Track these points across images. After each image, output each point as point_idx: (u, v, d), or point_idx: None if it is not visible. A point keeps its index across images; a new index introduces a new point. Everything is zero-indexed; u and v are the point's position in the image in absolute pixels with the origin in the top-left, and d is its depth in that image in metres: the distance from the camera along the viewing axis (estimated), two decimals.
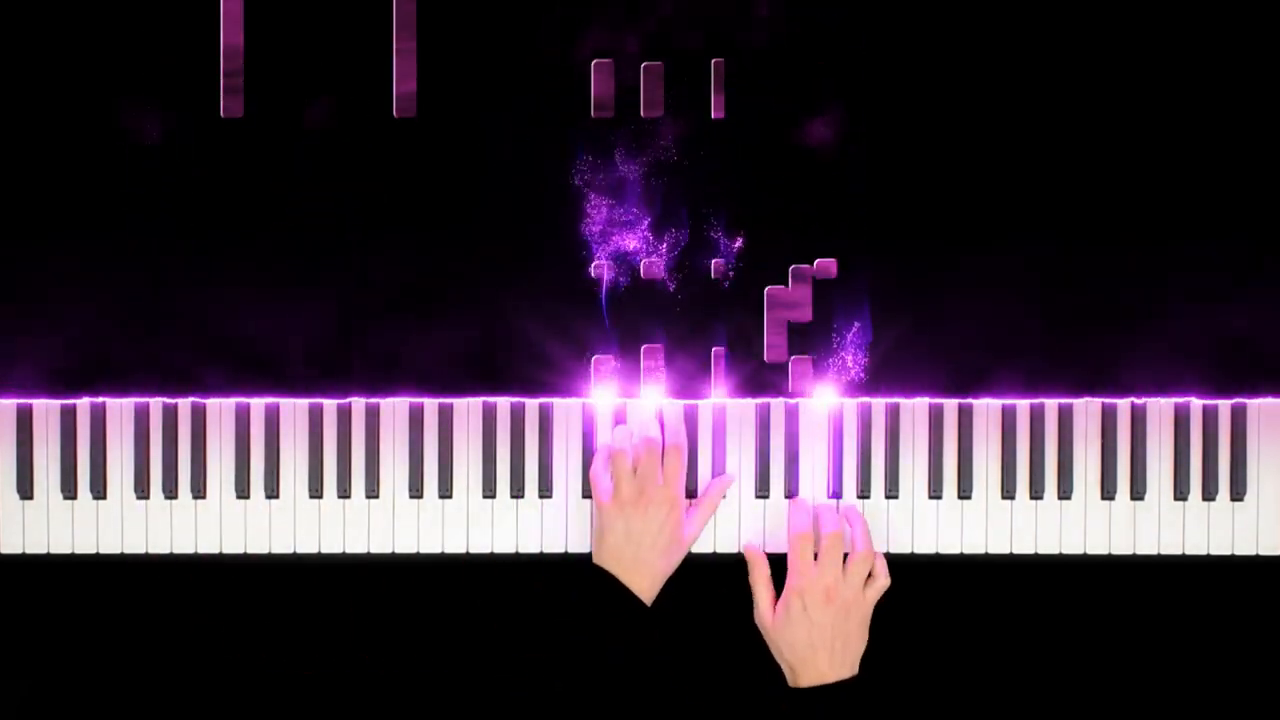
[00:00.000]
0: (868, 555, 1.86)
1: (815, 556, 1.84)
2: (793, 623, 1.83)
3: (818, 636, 1.83)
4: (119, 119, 1.87)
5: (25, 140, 1.87)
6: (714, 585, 1.94)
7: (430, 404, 1.90)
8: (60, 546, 1.90)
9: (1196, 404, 1.90)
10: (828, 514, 1.87)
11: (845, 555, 1.85)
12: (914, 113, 1.88)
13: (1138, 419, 1.90)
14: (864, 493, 1.90)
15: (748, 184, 1.89)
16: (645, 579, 1.83)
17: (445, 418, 1.90)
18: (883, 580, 1.87)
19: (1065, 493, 1.91)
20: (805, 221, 1.89)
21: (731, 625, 1.92)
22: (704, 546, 1.91)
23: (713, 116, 1.89)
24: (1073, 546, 1.91)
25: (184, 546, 1.90)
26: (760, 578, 1.88)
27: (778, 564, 1.88)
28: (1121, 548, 1.91)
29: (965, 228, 1.89)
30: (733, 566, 1.90)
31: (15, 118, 1.87)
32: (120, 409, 1.89)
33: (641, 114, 1.89)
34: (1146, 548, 1.90)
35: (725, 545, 1.91)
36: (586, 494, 1.90)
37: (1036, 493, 1.90)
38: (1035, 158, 1.89)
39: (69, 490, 1.89)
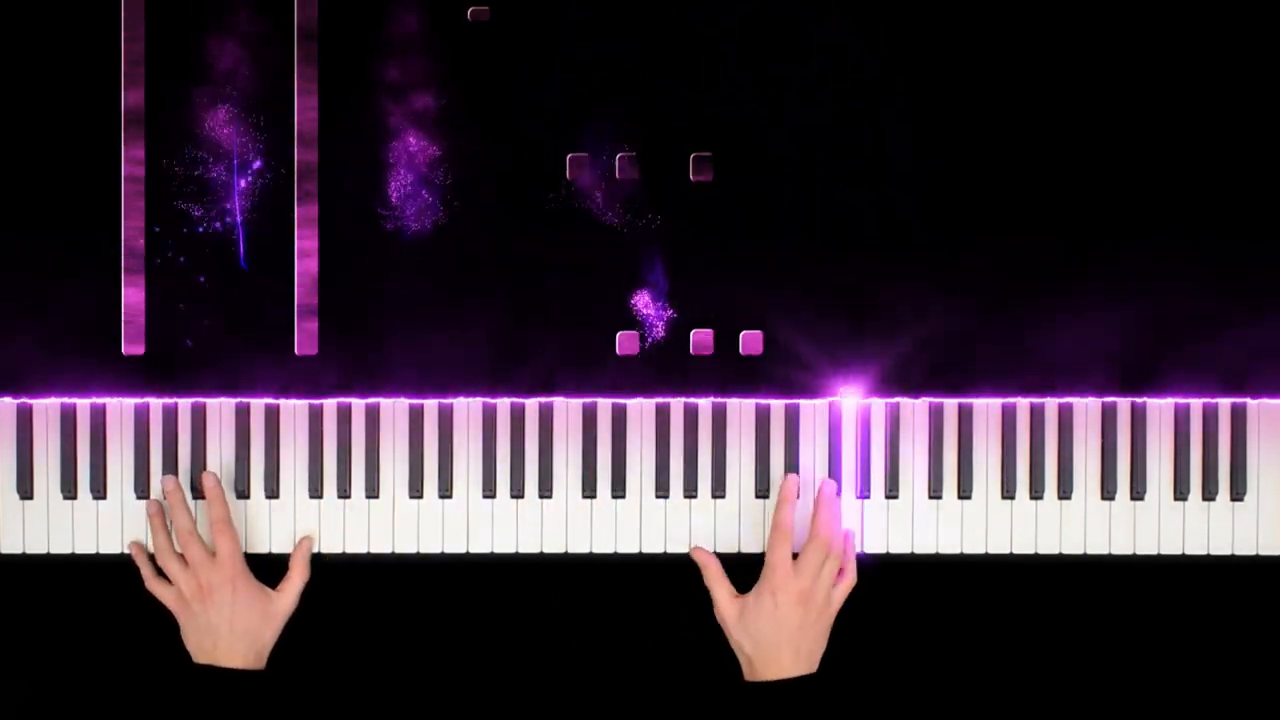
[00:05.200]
0: (840, 556, 1.85)
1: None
2: (762, 619, 1.81)
3: (785, 635, 1.81)
4: None
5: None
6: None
7: (430, 404, 1.90)
8: (60, 546, 1.89)
9: (1196, 404, 1.90)
10: (825, 515, 1.85)
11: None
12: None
13: (1137, 419, 1.90)
14: (864, 493, 1.90)
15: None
16: (239, 658, 1.81)
17: (445, 418, 1.90)
18: (850, 578, 1.85)
19: (1065, 493, 1.90)
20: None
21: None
22: (704, 546, 1.90)
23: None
24: (1073, 546, 1.90)
25: None
26: (714, 575, 1.86)
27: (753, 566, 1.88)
28: (1121, 548, 1.90)
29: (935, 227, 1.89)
30: (731, 566, 1.90)
31: None
32: (120, 409, 1.89)
33: None
34: (1146, 548, 1.90)
35: (725, 545, 1.91)
36: (586, 494, 1.90)
37: (1036, 493, 1.90)
38: (1012, 158, 1.89)
39: (69, 490, 1.89)
